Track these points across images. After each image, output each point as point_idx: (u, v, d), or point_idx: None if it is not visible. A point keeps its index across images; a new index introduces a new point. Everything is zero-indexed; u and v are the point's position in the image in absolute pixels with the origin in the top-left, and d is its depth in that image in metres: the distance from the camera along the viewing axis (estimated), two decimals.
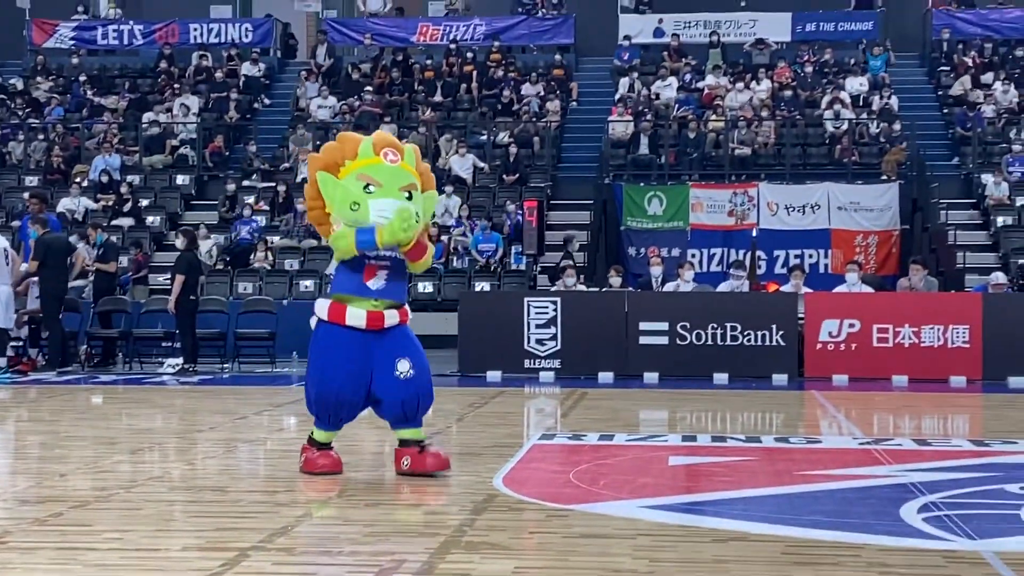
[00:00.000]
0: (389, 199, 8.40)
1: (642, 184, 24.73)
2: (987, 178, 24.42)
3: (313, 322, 8.69)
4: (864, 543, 6.64)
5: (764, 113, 26.55)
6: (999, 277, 18.69)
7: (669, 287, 18.52)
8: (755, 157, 25.68)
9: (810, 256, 23.70)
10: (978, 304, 17.05)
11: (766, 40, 29.36)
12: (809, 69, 28.35)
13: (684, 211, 23.89)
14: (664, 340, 16.98)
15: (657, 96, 27.65)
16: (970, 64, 28.03)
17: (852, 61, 28.71)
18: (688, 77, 28.30)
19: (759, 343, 16.91)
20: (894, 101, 26.97)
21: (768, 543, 6.70)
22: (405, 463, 8.62)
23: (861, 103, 27.28)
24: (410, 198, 8.50)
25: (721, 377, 16.50)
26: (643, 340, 17.00)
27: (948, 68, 28.38)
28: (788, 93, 27.39)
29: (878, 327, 16.89)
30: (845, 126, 26.17)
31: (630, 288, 19.17)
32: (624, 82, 28.06)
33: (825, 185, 24.20)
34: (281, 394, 15.21)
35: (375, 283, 8.48)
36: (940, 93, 28.17)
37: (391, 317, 8.54)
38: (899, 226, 23.78)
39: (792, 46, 29.65)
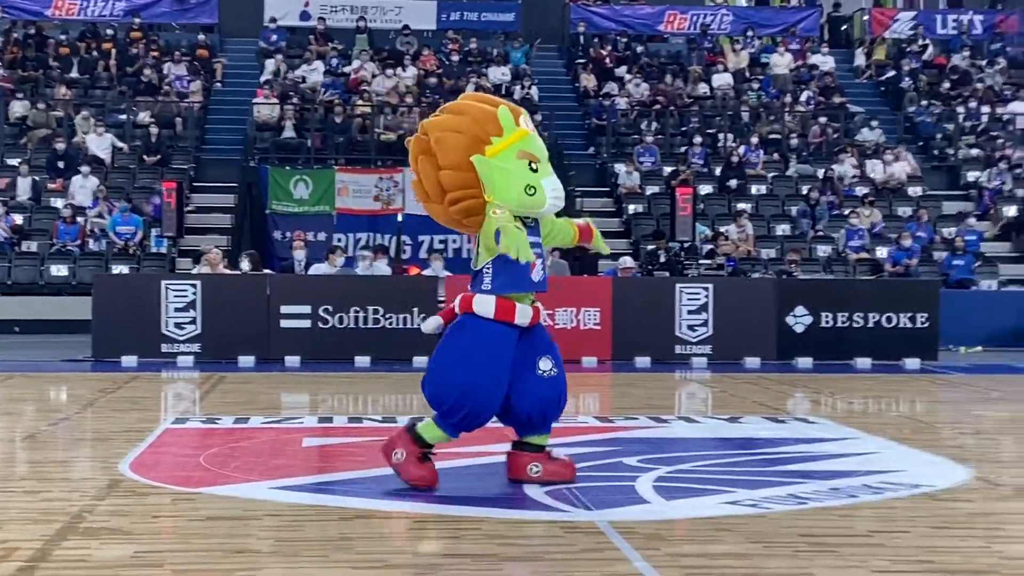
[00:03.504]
0: (552, 177, 7.48)
1: (288, 168, 24.52)
2: (620, 167, 25.50)
3: (429, 325, 7.76)
4: (486, 516, 6.83)
5: (410, 100, 26.83)
6: (627, 261, 19.55)
7: (317, 270, 18.48)
8: (401, 143, 25.89)
9: (453, 241, 24.12)
10: (608, 288, 17.79)
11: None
12: (455, 58, 28.84)
13: (330, 195, 23.85)
14: (307, 323, 16.91)
15: (303, 80, 27.50)
16: (605, 58, 29.15)
17: (495, 51, 29.39)
18: (335, 62, 28.29)
19: (401, 326, 17.08)
20: (535, 91, 27.75)
21: (394, 519, 6.82)
22: (534, 470, 7.68)
23: (504, 93, 27.94)
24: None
25: (363, 360, 16.59)
26: (284, 324, 16.86)
27: (585, 61, 29.42)
28: (433, 81, 27.77)
29: None
30: None
31: (269, 271, 19.02)
32: (270, 64, 27.78)
33: None
34: None
35: (536, 274, 7.56)
36: (577, 85, 29.17)
37: (542, 311, 7.77)
38: None
39: (437, 34, 30.09)
